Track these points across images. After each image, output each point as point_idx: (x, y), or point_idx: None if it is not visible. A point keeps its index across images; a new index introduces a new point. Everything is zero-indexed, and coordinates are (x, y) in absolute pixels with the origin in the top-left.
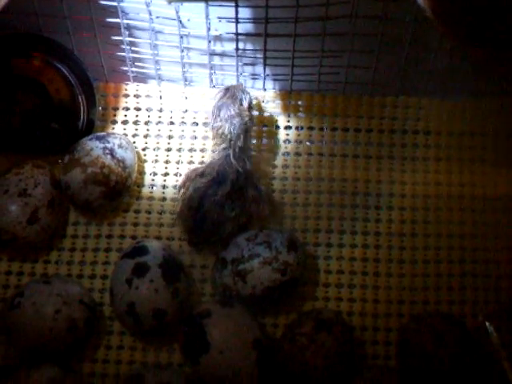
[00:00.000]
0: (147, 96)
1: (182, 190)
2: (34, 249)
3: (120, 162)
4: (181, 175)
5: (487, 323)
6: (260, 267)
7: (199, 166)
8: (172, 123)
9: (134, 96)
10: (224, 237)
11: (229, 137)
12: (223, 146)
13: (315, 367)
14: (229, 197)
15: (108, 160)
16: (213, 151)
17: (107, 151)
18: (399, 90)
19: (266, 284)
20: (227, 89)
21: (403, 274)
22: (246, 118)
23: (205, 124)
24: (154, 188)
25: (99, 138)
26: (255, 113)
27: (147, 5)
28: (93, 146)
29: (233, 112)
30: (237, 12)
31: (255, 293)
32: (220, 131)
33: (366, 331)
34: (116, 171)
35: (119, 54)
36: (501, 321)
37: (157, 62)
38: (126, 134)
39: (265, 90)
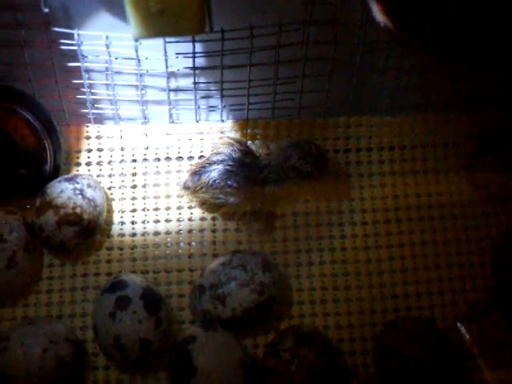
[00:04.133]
0: (108, 136)
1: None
2: (13, 293)
3: (91, 201)
4: (148, 210)
5: (458, 324)
6: (238, 289)
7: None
8: (135, 161)
9: (96, 137)
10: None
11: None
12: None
13: (301, 380)
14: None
15: (79, 200)
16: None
17: (77, 191)
18: (351, 111)
19: (245, 305)
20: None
21: (372, 284)
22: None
23: (166, 159)
24: (124, 225)
25: (68, 180)
26: None
27: (107, 46)
28: (63, 188)
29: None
30: (194, 47)
31: (235, 314)
32: None
33: (343, 343)
34: (88, 210)
35: (79, 96)
36: (471, 321)
37: (116, 102)
38: (90, 175)
39: (222, 120)
